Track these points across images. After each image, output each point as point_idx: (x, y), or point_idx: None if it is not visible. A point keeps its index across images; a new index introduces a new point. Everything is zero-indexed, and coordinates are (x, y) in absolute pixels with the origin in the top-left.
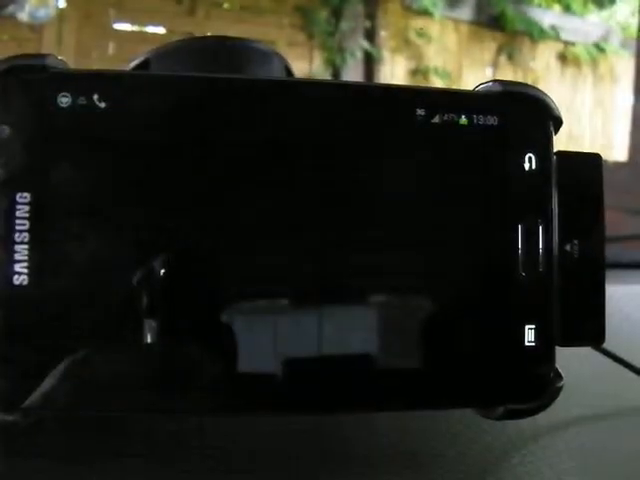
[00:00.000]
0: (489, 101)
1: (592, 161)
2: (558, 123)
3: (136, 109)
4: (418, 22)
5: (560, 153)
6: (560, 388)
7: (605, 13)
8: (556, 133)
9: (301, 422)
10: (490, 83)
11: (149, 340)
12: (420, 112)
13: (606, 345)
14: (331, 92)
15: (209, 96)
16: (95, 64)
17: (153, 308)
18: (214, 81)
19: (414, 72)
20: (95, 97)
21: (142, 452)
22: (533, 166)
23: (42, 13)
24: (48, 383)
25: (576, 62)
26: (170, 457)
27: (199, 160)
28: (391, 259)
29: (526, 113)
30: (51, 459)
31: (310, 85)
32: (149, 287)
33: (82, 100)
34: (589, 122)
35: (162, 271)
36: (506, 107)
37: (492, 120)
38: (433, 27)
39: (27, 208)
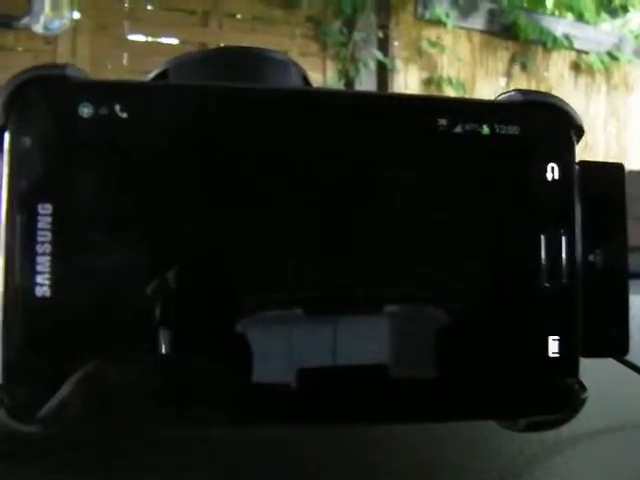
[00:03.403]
0: (511, 111)
1: (615, 171)
2: (580, 132)
3: (157, 119)
4: (431, 32)
5: (582, 163)
6: (584, 400)
7: (618, 22)
8: (578, 142)
9: (316, 431)
10: (511, 92)
11: (163, 350)
12: (442, 122)
13: (628, 356)
14: (353, 102)
15: (230, 106)
16: (109, 75)
17: (167, 318)
18: (235, 91)
19: (427, 82)
20: (117, 107)
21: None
22: (555, 176)
23: (57, 25)
24: (65, 394)
25: (590, 71)
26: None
27: (219, 170)
28: (412, 269)
29: (548, 122)
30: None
31: (332, 95)
32: (163, 297)
33: (103, 110)
34: (603, 131)
35: (176, 281)
36: (528, 116)
37: (514, 130)
38: (446, 37)
39: (49, 219)
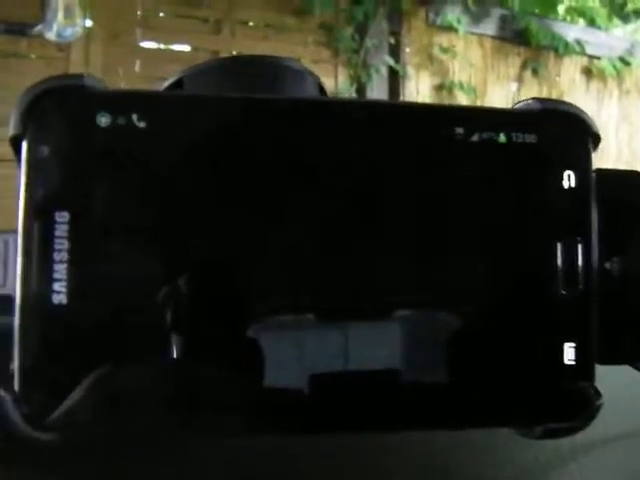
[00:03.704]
0: (528, 119)
1: (631, 179)
2: (596, 140)
3: (175, 129)
4: (442, 38)
5: (599, 171)
6: (599, 406)
7: (630, 27)
8: (594, 150)
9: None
10: (529, 101)
11: (176, 357)
12: (459, 130)
13: None
14: (370, 111)
15: (248, 116)
16: (122, 82)
17: (180, 324)
18: (254, 101)
19: (439, 88)
20: (134, 117)
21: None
22: (572, 184)
23: (69, 32)
24: (78, 399)
25: (601, 76)
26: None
27: (234, 179)
28: (427, 276)
29: (565, 130)
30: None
31: (349, 104)
32: (176, 303)
33: (121, 120)
34: (615, 136)
35: (189, 288)
36: (545, 125)
37: (531, 138)
38: (457, 43)
39: (66, 227)
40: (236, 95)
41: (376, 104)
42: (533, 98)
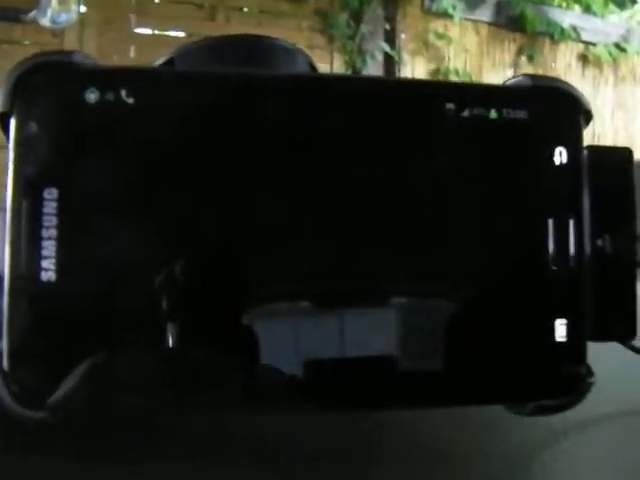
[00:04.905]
0: (519, 95)
1: (623, 155)
2: (588, 117)
3: (164, 105)
4: (438, 24)
5: (591, 147)
6: (591, 384)
7: (626, 13)
8: (586, 127)
9: (324, 419)
10: (520, 77)
11: (171, 341)
12: (450, 106)
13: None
14: (361, 87)
15: (238, 92)
16: None
17: (173, 307)
18: (242, 77)
19: (434, 74)
20: (123, 93)
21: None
22: (563, 160)
23: (63, 18)
24: (74, 380)
25: (597, 63)
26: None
27: (226, 158)
28: (419, 254)
29: (556, 107)
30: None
31: (340, 80)
32: (169, 285)
33: (110, 96)
34: (611, 122)
35: (183, 271)
36: (536, 101)
37: (522, 114)
38: (453, 29)
39: (55, 204)
40: (225, 71)
41: (367, 80)
42: (524, 74)
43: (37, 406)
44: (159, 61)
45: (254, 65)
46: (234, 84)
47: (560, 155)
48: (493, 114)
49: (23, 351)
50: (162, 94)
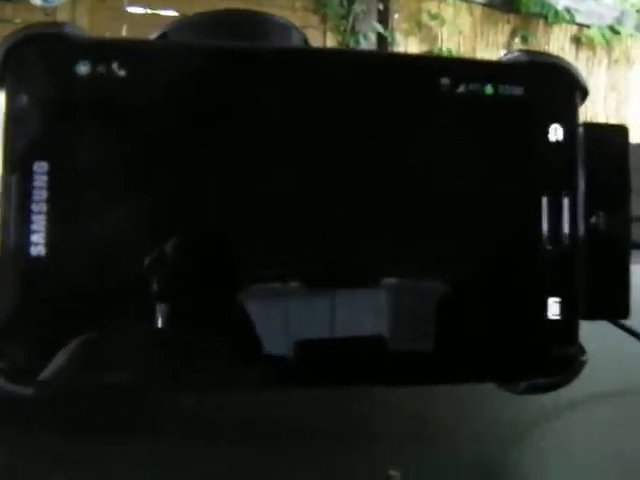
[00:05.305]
0: (515, 71)
1: (618, 133)
2: (584, 94)
3: (156, 78)
4: (431, 5)
5: (586, 124)
6: (584, 362)
7: None
8: (582, 104)
9: (317, 396)
10: (516, 53)
11: (161, 319)
12: (445, 81)
13: (629, 323)
14: (355, 60)
15: (230, 65)
16: None
17: (164, 286)
18: (235, 50)
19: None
20: (114, 65)
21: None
22: (559, 137)
23: None
24: (63, 356)
25: (590, 45)
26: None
27: (216, 134)
28: (412, 232)
29: (552, 83)
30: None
31: (333, 54)
32: (160, 263)
33: (101, 68)
34: (603, 105)
35: (174, 249)
36: (532, 77)
37: (518, 90)
38: (446, 10)
39: (45, 178)
40: (217, 43)
41: (361, 54)
42: (520, 50)
43: (26, 382)
44: (152, 36)
45: (248, 39)
46: (227, 56)
47: (556, 132)
48: (489, 90)
49: (12, 327)
50: (154, 67)
